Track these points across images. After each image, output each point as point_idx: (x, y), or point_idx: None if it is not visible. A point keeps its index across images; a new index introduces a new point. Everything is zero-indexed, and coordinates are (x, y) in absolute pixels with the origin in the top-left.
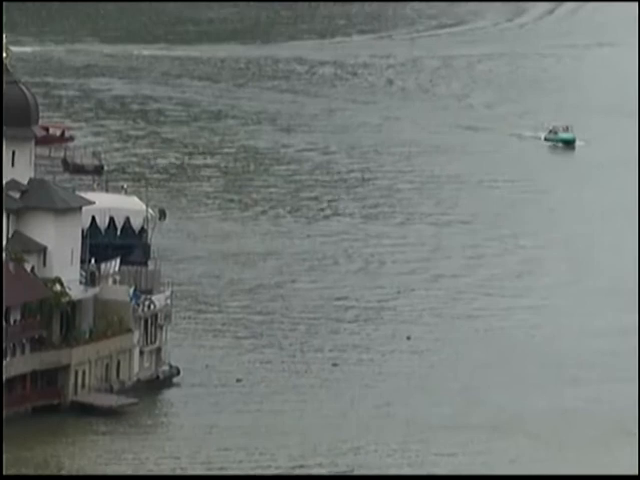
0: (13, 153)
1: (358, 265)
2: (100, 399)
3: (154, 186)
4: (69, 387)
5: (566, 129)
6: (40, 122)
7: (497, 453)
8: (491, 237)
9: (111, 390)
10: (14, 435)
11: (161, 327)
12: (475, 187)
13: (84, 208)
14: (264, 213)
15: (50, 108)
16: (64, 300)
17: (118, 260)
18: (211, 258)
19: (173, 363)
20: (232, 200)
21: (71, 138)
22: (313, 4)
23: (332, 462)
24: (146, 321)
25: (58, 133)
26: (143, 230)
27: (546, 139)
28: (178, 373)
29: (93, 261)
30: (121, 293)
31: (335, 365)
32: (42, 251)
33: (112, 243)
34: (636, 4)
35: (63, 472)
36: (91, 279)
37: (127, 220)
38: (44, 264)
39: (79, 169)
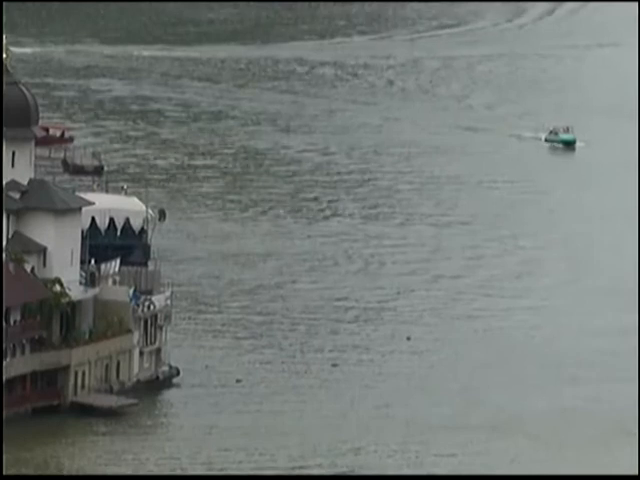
0: (13, 154)
1: (358, 266)
2: (100, 400)
3: (154, 187)
4: (69, 388)
5: (566, 130)
6: (40, 123)
7: (497, 453)
8: (491, 238)
9: (111, 391)
10: (14, 436)
11: (161, 328)
12: (475, 188)
13: (84, 209)
14: (264, 214)
15: (50, 109)
16: (64, 301)
17: (118, 261)
18: (211, 259)
19: (173, 364)
20: (232, 201)
21: (71, 139)
22: (313, 4)
23: (332, 463)
24: (146, 322)
25: (58, 134)
26: (143, 231)
27: (546, 140)
28: (178, 374)
29: (93, 262)
30: (121, 294)
31: (335, 366)
32: (42, 252)
33: (112, 244)
34: (636, 4)
35: (63, 473)
36: (91, 280)
37: (127, 221)
38: (44, 265)
39: (79, 170)
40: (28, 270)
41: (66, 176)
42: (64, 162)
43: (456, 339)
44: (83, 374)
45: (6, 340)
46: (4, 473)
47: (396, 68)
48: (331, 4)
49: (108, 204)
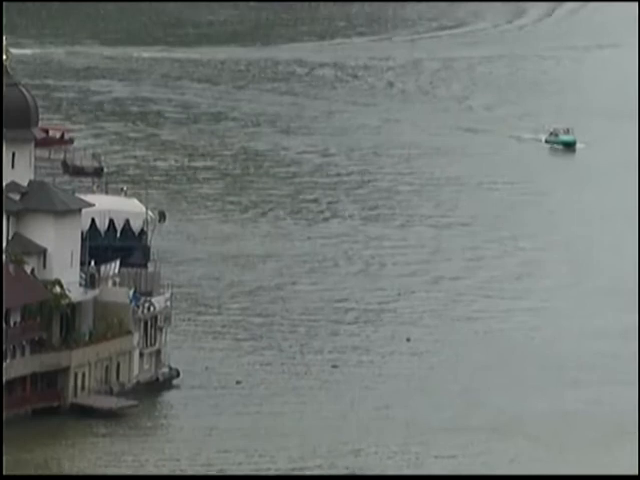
0: (13, 155)
1: (358, 267)
2: (100, 401)
3: (154, 188)
4: (69, 389)
5: (567, 131)
6: (40, 124)
7: (497, 455)
8: (491, 239)
9: (111, 392)
10: (14, 437)
11: (161, 329)
12: (475, 189)
13: (84, 210)
14: (264, 215)
15: (50, 110)
16: (64, 302)
17: (118, 262)
18: (211, 260)
19: (173, 365)
20: (232, 202)
21: (71, 140)
22: (313, 5)
23: (332, 464)
24: (146, 323)
25: (58, 135)
26: (143, 232)
27: (546, 141)
28: (178, 375)
29: (93, 263)
30: (121, 295)
31: (335, 367)
32: (42, 253)
33: (112, 245)
34: (636, 4)
35: (63, 474)
36: (91, 281)
37: (127, 222)
38: (44, 266)
39: (79, 171)
40: (28, 271)
41: (66, 177)
42: (64, 163)
43: (456, 340)
44: (83, 375)
45: (6, 341)
46: (4, 474)
47: (396, 69)
48: (331, 5)
49: (108, 205)
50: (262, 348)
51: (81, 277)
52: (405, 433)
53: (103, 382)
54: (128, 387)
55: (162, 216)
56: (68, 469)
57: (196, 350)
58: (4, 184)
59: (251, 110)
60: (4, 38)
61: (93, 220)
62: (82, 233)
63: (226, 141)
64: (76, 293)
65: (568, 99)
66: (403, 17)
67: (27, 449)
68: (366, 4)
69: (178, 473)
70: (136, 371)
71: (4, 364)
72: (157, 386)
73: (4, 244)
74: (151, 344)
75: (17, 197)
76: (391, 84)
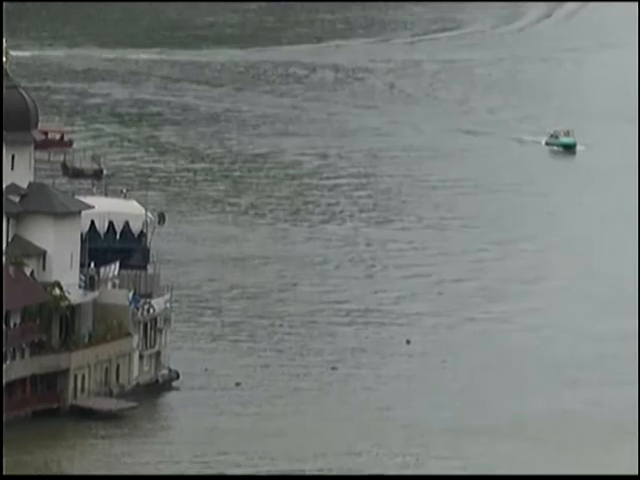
0: (13, 157)
1: (358, 269)
2: (100, 403)
3: (153, 190)
4: (69, 391)
5: (567, 134)
6: (39, 126)
7: (497, 455)
8: (491, 241)
9: (111, 394)
10: (14, 439)
11: (160, 331)
12: (475, 191)
13: (83, 212)
14: (263, 217)
15: (49, 112)
16: (63, 304)
17: (117, 264)
18: (211, 262)
19: (172, 367)
20: (231, 204)
21: (70, 142)
22: (312, 7)
23: (332, 466)
24: (145, 325)
25: (57, 137)
26: (142, 234)
27: (547, 143)
28: (177, 377)
29: (92, 265)
30: (120, 297)
31: (335, 369)
32: (42, 255)
33: (111, 247)
34: (636, 4)
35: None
36: (90, 283)
37: (126, 224)
38: (44, 268)
39: (78, 173)
40: (28, 273)
41: (65, 179)
42: (63, 165)
43: (456, 342)
44: (83, 377)
45: (6, 343)
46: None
47: (396, 71)
48: (330, 7)
49: (107, 207)
50: (262, 350)
51: (81, 279)
52: (405, 434)
53: (103, 384)
54: (128, 389)
55: (162, 218)
56: (68, 471)
57: (196, 352)
58: (4, 186)
59: (251, 112)
60: (4, 40)
61: (93, 222)
62: (82, 235)
63: (226, 143)
64: (76, 295)
65: (568, 101)
66: (403, 19)
67: (27, 451)
68: (366, 5)
69: (178, 474)
70: (136, 373)
71: (4, 366)
72: (157, 388)
73: (4, 246)
74: (151, 346)
75: (17, 199)
76: (391, 86)
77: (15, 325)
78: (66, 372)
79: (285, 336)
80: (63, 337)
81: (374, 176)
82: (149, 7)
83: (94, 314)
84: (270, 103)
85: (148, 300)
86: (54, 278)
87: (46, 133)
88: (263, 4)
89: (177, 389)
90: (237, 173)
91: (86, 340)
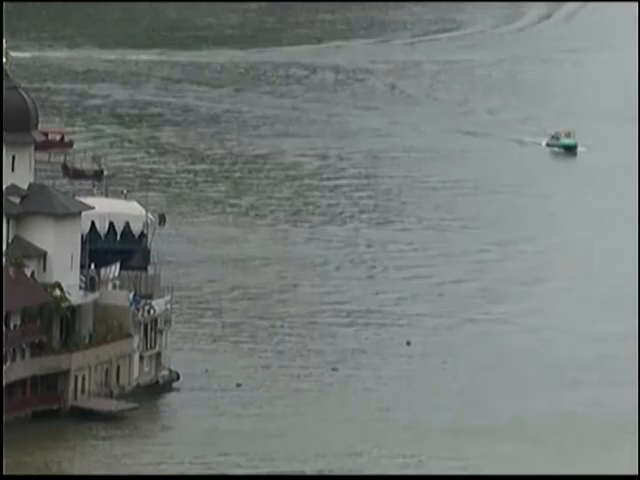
0: (13, 158)
1: (358, 270)
2: (100, 404)
3: (154, 191)
4: (69, 392)
5: (568, 135)
6: (40, 127)
7: (497, 456)
8: (492, 242)
9: (111, 395)
10: (14, 440)
11: (161, 332)
12: (475, 192)
13: (84, 213)
14: (264, 218)
15: (49, 113)
16: (64, 305)
17: (118, 265)
18: (211, 263)
19: (173, 368)
20: (232, 205)
21: (70, 143)
22: (312, 7)
23: (332, 467)
24: (146, 326)
25: (57, 138)
26: (143, 235)
27: (548, 145)
28: (178, 378)
29: (93, 266)
30: (121, 298)
31: (335, 369)
32: (42, 256)
33: (112, 248)
34: (636, 4)
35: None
36: (91, 284)
37: (127, 225)
38: (44, 269)
39: (79, 174)
40: (28, 274)
41: (66, 180)
42: (64, 166)
43: (457, 343)
44: (83, 378)
45: (6, 344)
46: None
47: (396, 72)
48: (330, 7)
49: (108, 208)
50: (262, 351)
51: (81, 280)
52: (406, 435)
53: (103, 385)
54: (128, 390)
55: (162, 219)
56: (68, 472)
57: (196, 353)
58: (4, 187)
59: (251, 113)
60: (4, 41)
61: (93, 223)
62: (82, 236)
63: (226, 144)
64: (76, 296)
65: (569, 102)
66: (403, 19)
67: (27, 452)
68: (366, 6)
69: (178, 475)
70: (136, 374)
71: (4, 367)
72: (157, 389)
73: (4, 247)
74: (151, 347)
75: (17, 200)
76: (391, 87)
77: (15, 326)
78: (66, 373)
79: (286, 337)
80: (63, 338)
81: (374, 177)
82: (149, 7)
83: (94, 315)
84: (270, 104)
85: (148, 301)
86: (54, 279)
87: (46, 134)
88: (263, 4)
89: (177, 390)
90: (237, 174)
91: (86, 341)
